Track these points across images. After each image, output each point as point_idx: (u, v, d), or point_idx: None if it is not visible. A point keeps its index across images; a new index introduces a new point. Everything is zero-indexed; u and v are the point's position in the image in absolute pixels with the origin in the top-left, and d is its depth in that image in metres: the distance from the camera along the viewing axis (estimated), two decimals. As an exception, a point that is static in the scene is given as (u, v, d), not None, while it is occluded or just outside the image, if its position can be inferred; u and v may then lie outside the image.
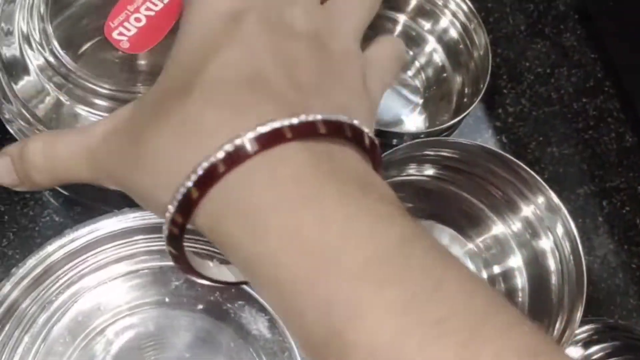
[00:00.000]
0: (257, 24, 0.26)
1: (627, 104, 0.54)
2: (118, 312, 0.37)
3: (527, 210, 0.43)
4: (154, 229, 0.37)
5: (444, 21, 0.50)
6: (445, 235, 0.47)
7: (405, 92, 0.52)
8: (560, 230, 0.42)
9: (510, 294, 0.45)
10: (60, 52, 0.37)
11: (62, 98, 0.38)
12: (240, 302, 0.34)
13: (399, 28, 0.52)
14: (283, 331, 0.31)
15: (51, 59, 0.37)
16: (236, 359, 0.34)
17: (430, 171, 0.46)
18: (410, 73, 0.52)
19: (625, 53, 0.54)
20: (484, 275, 0.46)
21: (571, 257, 0.40)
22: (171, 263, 0.26)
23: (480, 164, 0.44)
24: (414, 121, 0.51)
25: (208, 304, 0.35)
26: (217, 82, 0.25)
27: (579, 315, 0.39)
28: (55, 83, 0.38)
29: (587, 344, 0.45)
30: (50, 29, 0.38)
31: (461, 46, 0.49)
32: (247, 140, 0.22)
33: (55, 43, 0.37)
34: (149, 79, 0.41)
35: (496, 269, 0.46)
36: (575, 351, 0.44)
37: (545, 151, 0.51)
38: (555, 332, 0.40)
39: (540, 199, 0.43)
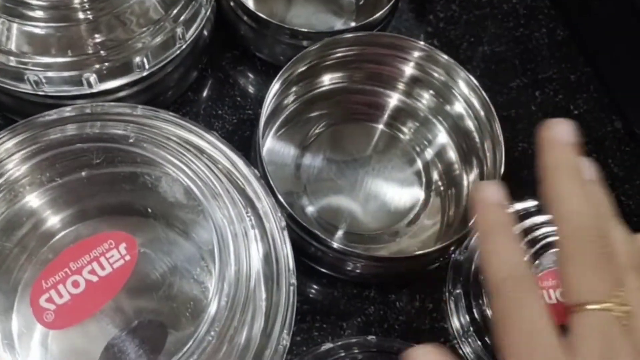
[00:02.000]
0: None
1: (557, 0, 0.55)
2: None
3: (432, 81, 0.46)
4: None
5: None
6: (378, 133, 0.49)
7: (340, 5, 0.54)
8: (465, 88, 0.44)
9: (448, 167, 0.47)
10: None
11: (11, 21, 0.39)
12: (156, 174, 0.36)
13: None
14: (198, 196, 0.33)
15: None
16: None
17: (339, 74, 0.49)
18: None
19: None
20: (420, 164, 0.48)
21: (482, 111, 0.43)
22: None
23: (378, 52, 0.46)
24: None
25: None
26: None
27: (502, 167, 0.42)
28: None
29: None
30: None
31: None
32: None
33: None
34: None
35: (429, 154, 0.48)
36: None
37: (477, 50, 0.53)
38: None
39: (440, 70, 0.45)
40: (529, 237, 0.42)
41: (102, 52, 0.41)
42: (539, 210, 0.44)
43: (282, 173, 0.47)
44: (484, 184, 0.35)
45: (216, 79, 0.51)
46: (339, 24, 0.53)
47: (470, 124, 0.46)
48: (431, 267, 0.45)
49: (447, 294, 0.43)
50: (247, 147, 0.47)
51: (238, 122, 0.49)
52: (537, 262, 0.41)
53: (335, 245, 0.40)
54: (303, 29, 0.46)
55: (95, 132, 0.35)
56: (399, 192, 0.47)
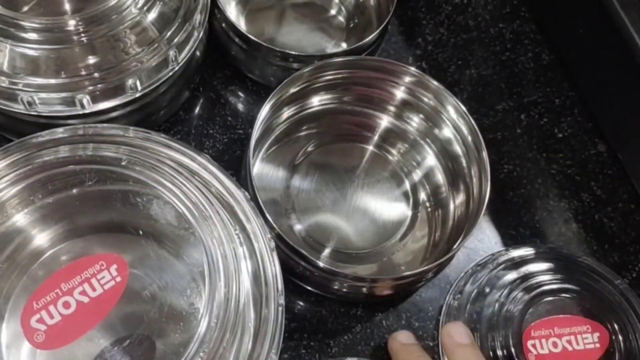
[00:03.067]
0: None
1: (543, 25, 0.57)
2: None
3: (421, 106, 0.47)
4: None
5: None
6: (367, 154, 0.50)
7: (329, 29, 0.54)
8: (454, 114, 0.45)
9: (435, 189, 0.48)
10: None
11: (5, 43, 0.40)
12: (148, 197, 0.36)
13: None
14: (189, 219, 0.34)
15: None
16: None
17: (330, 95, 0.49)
18: (333, 12, 0.55)
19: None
20: (407, 185, 0.49)
21: (470, 136, 0.44)
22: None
23: (369, 76, 0.47)
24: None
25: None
26: None
27: (487, 192, 0.43)
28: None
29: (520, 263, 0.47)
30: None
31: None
32: None
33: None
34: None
35: (417, 175, 0.49)
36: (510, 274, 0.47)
37: (464, 73, 0.54)
38: (471, 208, 0.43)
39: (430, 95, 0.46)
40: (525, 284, 0.43)
41: (95, 73, 0.41)
42: (535, 258, 0.45)
43: (271, 192, 0.48)
44: (452, 327, 0.41)
45: (208, 99, 0.51)
46: (329, 46, 0.54)
47: (458, 148, 0.46)
48: (418, 286, 0.46)
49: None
50: (238, 166, 0.48)
51: (229, 142, 0.50)
52: (531, 310, 0.42)
53: (321, 264, 0.40)
54: (294, 52, 0.47)
55: (88, 154, 0.36)
56: (386, 212, 0.48)
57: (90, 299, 0.33)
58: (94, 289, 0.33)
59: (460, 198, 0.47)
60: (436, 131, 0.48)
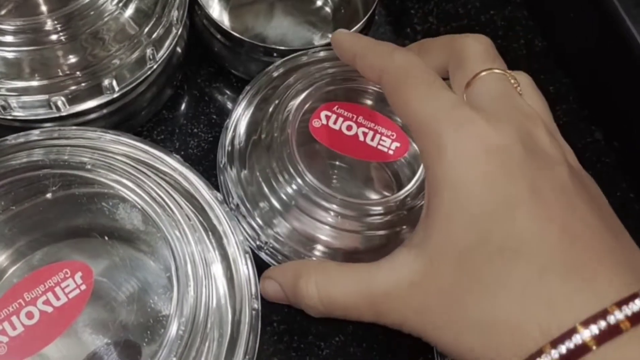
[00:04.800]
0: (527, 159, 0.28)
1: (535, 11, 0.55)
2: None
3: None
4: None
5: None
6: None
7: (315, 21, 0.53)
8: None
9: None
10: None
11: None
12: (114, 201, 0.35)
13: None
14: (156, 222, 0.33)
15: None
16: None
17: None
18: (319, 2, 0.54)
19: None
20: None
21: None
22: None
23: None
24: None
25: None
26: (534, 240, 0.26)
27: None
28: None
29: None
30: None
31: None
32: (616, 317, 0.24)
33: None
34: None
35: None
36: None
37: (455, 63, 0.53)
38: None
39: None
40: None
41: (70, 74, 0.40)
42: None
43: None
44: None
45: (192, 97, 0.50)
46: (316, 38, 0.52)
47: None
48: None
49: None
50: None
51: (214, 140, 0.49)
52: None
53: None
54: (277, 47, 0.46)
55: (51, 158, 0.35)
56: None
57: (54, 308, 0.32)
58: (58, 298, 0.32)
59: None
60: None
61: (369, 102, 0.43)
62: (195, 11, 0.48)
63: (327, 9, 0.54)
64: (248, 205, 0.39)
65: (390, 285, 0.29)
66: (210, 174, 0.47)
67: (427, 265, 0.28)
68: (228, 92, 0.51)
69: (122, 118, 0.45)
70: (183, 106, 0.50)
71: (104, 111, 0.43)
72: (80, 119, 0.43)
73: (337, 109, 0.40)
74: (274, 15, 0.53)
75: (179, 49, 0.47)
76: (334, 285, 0.32)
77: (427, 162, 0.30)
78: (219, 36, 0.48)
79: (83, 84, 0.40)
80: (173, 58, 0.47)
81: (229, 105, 0.50)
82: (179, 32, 0.45)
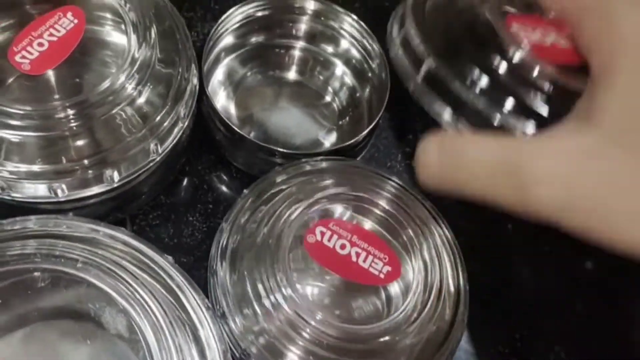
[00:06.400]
0: None
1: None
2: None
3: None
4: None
5: (345, 43, 0.53)
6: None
7: (322, 116, 0.54)
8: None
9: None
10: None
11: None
12: (101, 304, 0.35)
13: (298, 53, 0.55)
14: (141, 331, 0.33)
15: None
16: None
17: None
18: (328, 98, 0.55)
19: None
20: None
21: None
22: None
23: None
24: (331, 144, 0.53)
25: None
26: None
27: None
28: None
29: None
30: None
31: (365, 65, 0.53)
32: None
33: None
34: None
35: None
36: None
37: (453, 174, 0.53)
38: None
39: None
40: None
41: (73, 163, 0.41)
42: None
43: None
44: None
45: (191, 183, 0.51)
46: (320, 134, 0.53)
47: None
48: None
49: None
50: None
51: (208, 230, 0.49)
52: None
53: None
54: (279, 148, 0.47)
55: (43, 253, 0.35)
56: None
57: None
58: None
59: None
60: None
61: (369, 220, 0.44)
62: (202, 99, 0.49)
63: (335, 106, 0.54)
64: (234, 314, 0.39)
65: (549, 161, 0.24)
66: (200, 266, 0.48)
67: (593, 140, 0.24)
68: (227, 182, 0.51)
69: (119, 203, 0.46)
70: (181, 192, 0.50)
71: (103, 197, 0.44)
72: (78, 204, 0.43)
73: (333, 225, 0.41)
74: (279, 106, 0.54)
75: (183, 138, 0.48)
76: (465, 143, 0.26)
77: (596, 33, 0.26)
78: (222, 128, 0.48)
79: (85, 173, 0.41)
80: (177, 147, 0.47)
81: (227, 195, 0.51)
82: (185, 125, 0.45)
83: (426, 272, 0.41)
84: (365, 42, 0.53)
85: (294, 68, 0.56)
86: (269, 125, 0.53)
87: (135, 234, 0.48)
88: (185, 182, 0.51)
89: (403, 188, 0.44)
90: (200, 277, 0.47)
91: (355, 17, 0.52)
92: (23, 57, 0.41)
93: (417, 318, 0.40)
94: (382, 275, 0.40)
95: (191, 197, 0.50)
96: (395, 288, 0.44)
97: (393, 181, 0.45)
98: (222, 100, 0.53)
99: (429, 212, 0.44)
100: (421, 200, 0.44)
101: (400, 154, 0.54)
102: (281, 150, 0.47)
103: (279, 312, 0.39)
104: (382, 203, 0.43)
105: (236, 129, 0.47)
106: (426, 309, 0.40)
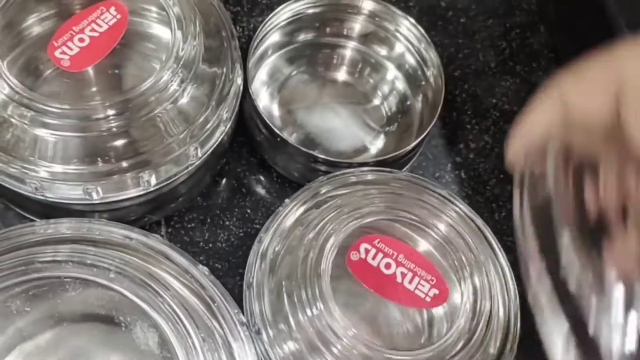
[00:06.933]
0: None
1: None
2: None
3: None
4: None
5: (399, 46, 0.51)
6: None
7: (369, 120, 0.51)
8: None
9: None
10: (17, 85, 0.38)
11: (24, 125, 0.38)
12: (133, 317, 0.34)
13: (349, 53, 0.53)
14: (172, 348, 0.31)
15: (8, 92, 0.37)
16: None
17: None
18: (376, 102, 0.52)
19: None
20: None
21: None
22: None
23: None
24: (377, 150, 0.51)
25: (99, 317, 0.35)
26: None
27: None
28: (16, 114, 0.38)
29: None
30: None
31: (419, 72, 0.50)
32: None
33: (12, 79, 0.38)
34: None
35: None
36: None
37: (505, 189, 0.50)
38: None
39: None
40: None
41: (109, 165, 0.39)
42: None
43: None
44: None
45: (229, 186, 0.49)
46: (366, 140, 0.50)
47: None
48: None
49: None
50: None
51: (244, 236, 0.47)
52: None
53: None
54: (321, 156, 0.44)
55: (75, 260, 0.34)
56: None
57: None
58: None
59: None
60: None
61: (417, 239, 0.42)
62: (244, 98, 0.47)
63: (383, 111, 0.52)
64: (270, 329, 0.38)
65: None
66: (235, 273, 0.46)
67: None
68: (267, 186, 0.49)
69: (154, 206, 0.44)
70: (219, 195, 0.48)
71: (139, 200, 0.42)
72: (112, 206, 0.41)
73: (378, 242, 0.39)
74: (324, 106, 0.52)
75: (224, 140, 0.45)
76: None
77: None
78: (264, 130, 0.46)
79: (121, 176, 0.39)
80: (217, 149, 0.45)
81: (266, 201, 0.49)
82: (227, 129, 0.43)
83: (475, 298, 0.39)
84: (421, 47, 0.50)
85: (342, 69, 0.53)
86: (312, 127, 0.51)
87: (169, 236, 0.47)
88: (223, 183, 0.49)
89: (456, 207, 0.42)
90: (234, 285, 0.46)
91: (412, 20, 0.49)
92: (63, 52, 0.40)
93: (463, 347, 0.38)
94: (428, 299, 0.38)
95: (229, 200, 0.48)
96: (439, 311, 0.42)
97: (443, 197, 0.42)
98: (265, 100, 0.51)
99: (483, 235, 0.41)
100: (477, 224, 0.41)
101: (450, 163, 0.51)
102: (323, 157, 0.44)
103: (314, 328, 0.37)
104: (436, 222, 0.41)
105: (278, 131, 0.45)
106: (474, 338, 0.38)
